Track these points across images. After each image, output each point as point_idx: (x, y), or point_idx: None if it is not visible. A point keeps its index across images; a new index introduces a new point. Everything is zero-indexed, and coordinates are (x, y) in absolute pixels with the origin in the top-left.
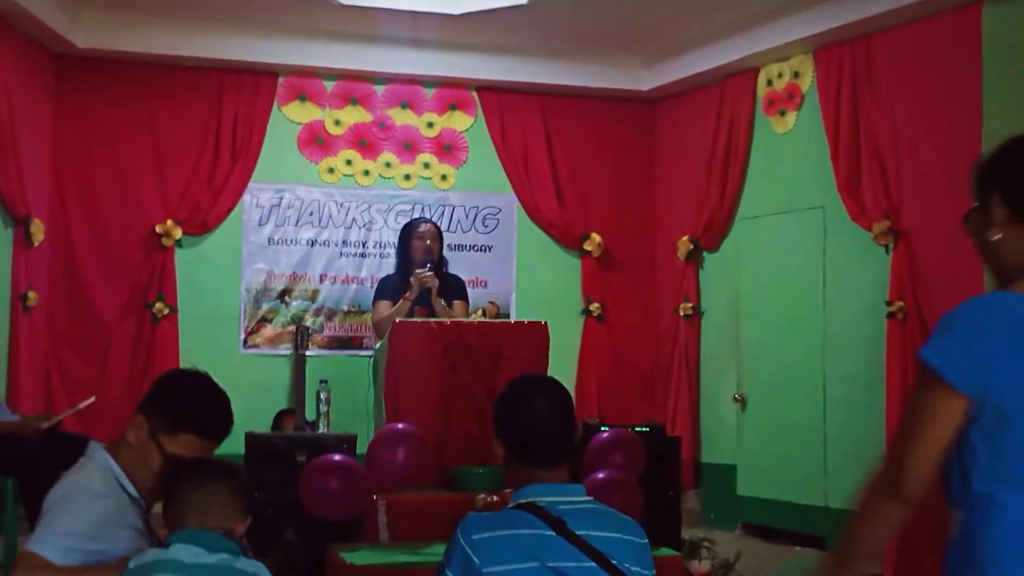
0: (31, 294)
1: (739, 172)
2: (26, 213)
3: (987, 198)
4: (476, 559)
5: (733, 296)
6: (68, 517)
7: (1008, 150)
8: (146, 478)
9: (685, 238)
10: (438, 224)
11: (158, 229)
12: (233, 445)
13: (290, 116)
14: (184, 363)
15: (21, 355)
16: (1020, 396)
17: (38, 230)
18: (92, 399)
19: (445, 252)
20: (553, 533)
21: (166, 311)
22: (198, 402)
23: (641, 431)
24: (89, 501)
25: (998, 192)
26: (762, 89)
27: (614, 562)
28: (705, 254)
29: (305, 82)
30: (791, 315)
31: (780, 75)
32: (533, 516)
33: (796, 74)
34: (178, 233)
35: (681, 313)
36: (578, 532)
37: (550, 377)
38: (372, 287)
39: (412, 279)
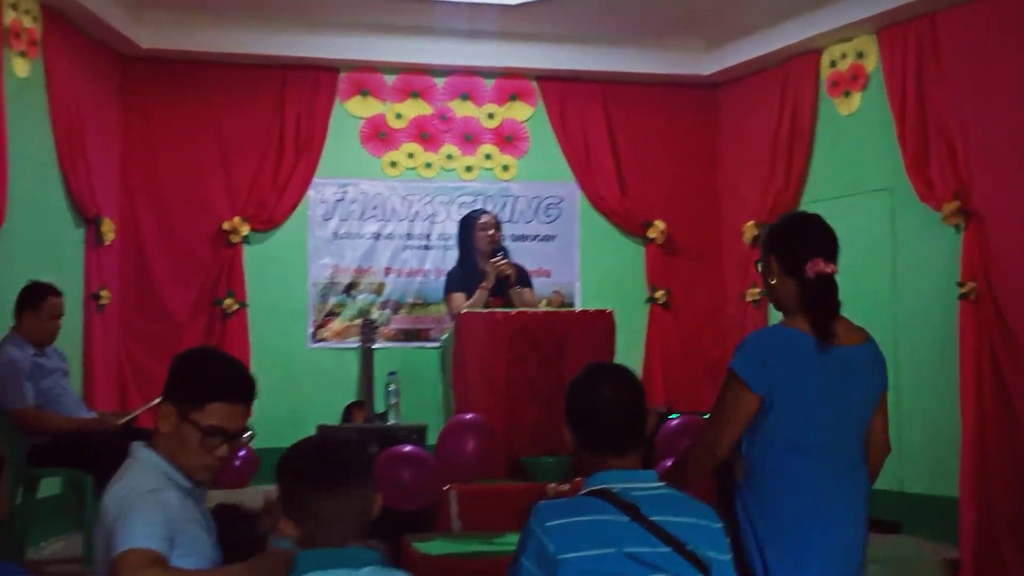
0: (103, 293)
1: (804, 155)
2: (96, 213)
3: (768, 257)
4: (551, 546)
5: None
6: (138, 514)
7: (780, 226)
8: (189, 460)
9: (751, 223)
10: (495, 214)
11: (225, 226)
12: None
13: (352, 111)
14: (254, 358)
15: (95, 353)
16: (788, 394)
17: (108, 229)
18: None
19: (507, 243)
20: (627, 519)
21: (235, 307)
22: (216, 370)
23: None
24: (149, 496)
25: (773, 254)
26: (825, 70)
27: (689, 547)
28: None
29: (366, 77)
30: (860, 298)
31: (844, 56)
32: (606, 502)
33: (860, 54)
34: (245, 230)
35: (748, 299)
36: (652, 518)
37: (621, 365)
38: (437, 279)
39: (488, 268)
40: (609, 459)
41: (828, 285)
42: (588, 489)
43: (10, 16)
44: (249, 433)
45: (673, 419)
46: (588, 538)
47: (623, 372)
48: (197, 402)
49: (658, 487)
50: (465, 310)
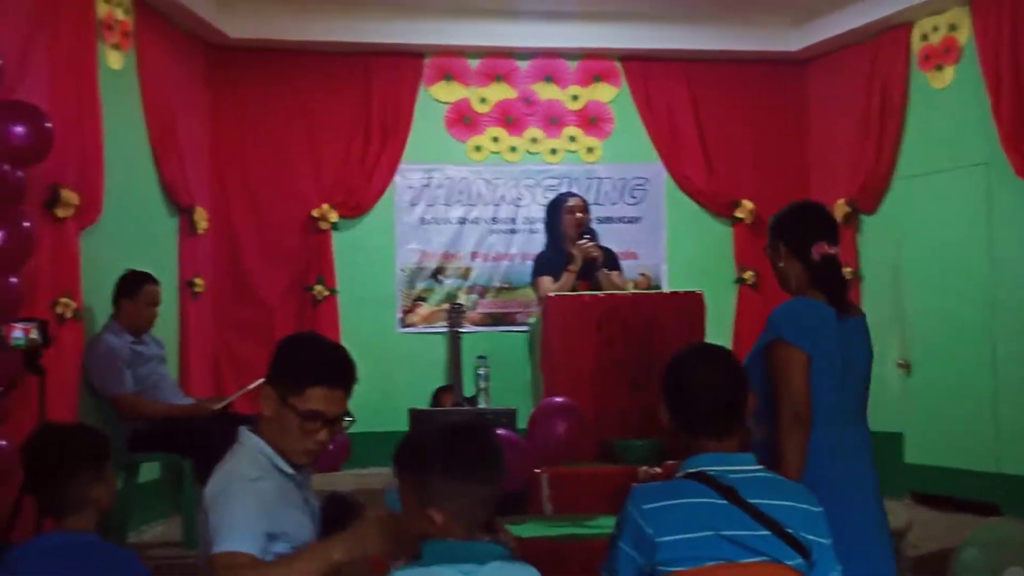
0: (198, 280)
1: (896, 131)
2: (190, 202)
3: (776, 242)
4: (649, 529)
5: (894, 259)
6: (235, 507)
7: (786, 213)
8: (289, 443)
9: (841, 201)
10: (583, 197)
11: (315, 213)
12: (397, 421)
13: (436, 96)
14: (344, 344)
15: (191, 340)
16: (819, 355)
17: (201, 218)
18: (260, 381)
19: (594, 225)
20: (725, 502)
21: (326, 293)
22: (314, 355)
23: None
24: (247, 486)
25: (781, 239)
26: (917, 44)
27: (789, 530)
28: (863, 216)
29: (450, 62)
30: (957, 276)
31: (935, 29)
32: (703, 485)
33: (952, 27)
34: (334, 216)
35: None
36: (750, 500)
37: (720, 346)
38: (523, 263)
39: (575, 251)
40: (707, 442)
41: (833, 265)
42: (685, 472)
43: (104, 9)
44: (349, 418)
45: None
46: (685, 521)
47: (723, 353)
48: (296, 386)
49: (756, 470)
50: (552, 293)
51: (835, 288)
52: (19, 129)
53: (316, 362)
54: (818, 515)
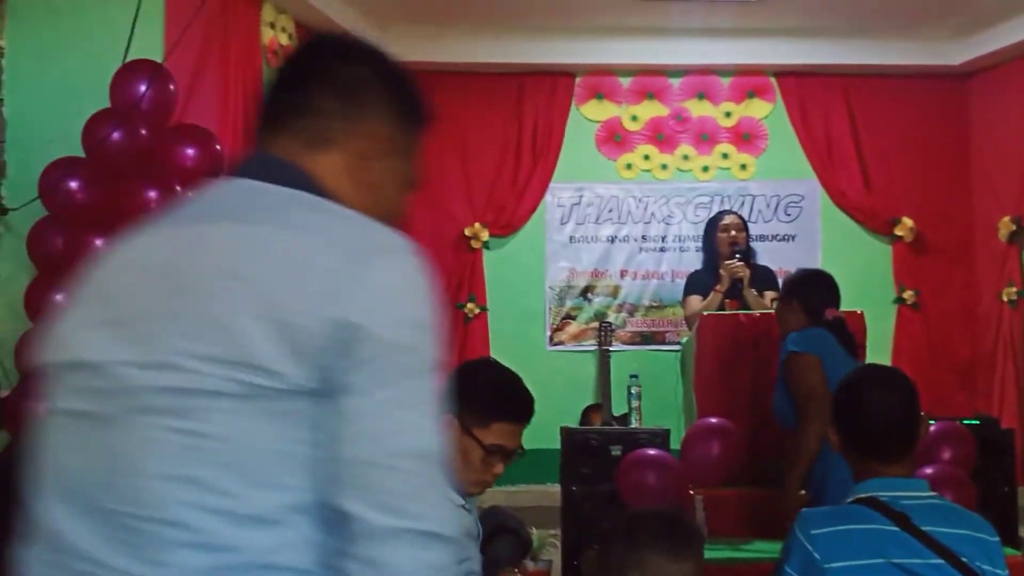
0: None
1: None
2: None
3: (791, 299)
4: (817, 555)
5: None
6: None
7: (803, 278)
8: (467, 474)
9: (1007, 218)
10: (741, 215)
11: (467, 232)
12: (549, 439)
13: (588, 115)
14: None
15: None
16: (829, 363)
17: None
18: None
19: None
20: (897, 529)
21: (477, 311)
22: (502, 390)
23: (970, 424)
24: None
25: (797, 299)
26: None
27: (964, 560)
28: None
29: (601, 80)
30: None
31: None
32: (874, 511)
33: None
34: (485, 235)
35: (1004, 298)
36: (924, 528)
37: (893, 368)
38: (673, 281)
39: (722, 270)
40: (877, 465)
41: (842, 324)
42: (854, 497)
43: (268, 35)
44: (521, 451)
45: (931, 424)
46: (855, 547)
47: (897, 376)
48: (482, 420)
49: (930, 496)
50: (702, 313)
51: (844, 341)
52: (190, 151)
53: (503, 397)
54: (994, 545)
